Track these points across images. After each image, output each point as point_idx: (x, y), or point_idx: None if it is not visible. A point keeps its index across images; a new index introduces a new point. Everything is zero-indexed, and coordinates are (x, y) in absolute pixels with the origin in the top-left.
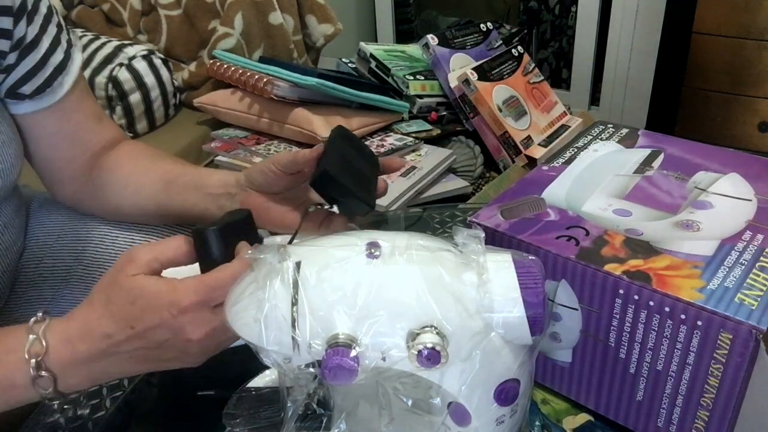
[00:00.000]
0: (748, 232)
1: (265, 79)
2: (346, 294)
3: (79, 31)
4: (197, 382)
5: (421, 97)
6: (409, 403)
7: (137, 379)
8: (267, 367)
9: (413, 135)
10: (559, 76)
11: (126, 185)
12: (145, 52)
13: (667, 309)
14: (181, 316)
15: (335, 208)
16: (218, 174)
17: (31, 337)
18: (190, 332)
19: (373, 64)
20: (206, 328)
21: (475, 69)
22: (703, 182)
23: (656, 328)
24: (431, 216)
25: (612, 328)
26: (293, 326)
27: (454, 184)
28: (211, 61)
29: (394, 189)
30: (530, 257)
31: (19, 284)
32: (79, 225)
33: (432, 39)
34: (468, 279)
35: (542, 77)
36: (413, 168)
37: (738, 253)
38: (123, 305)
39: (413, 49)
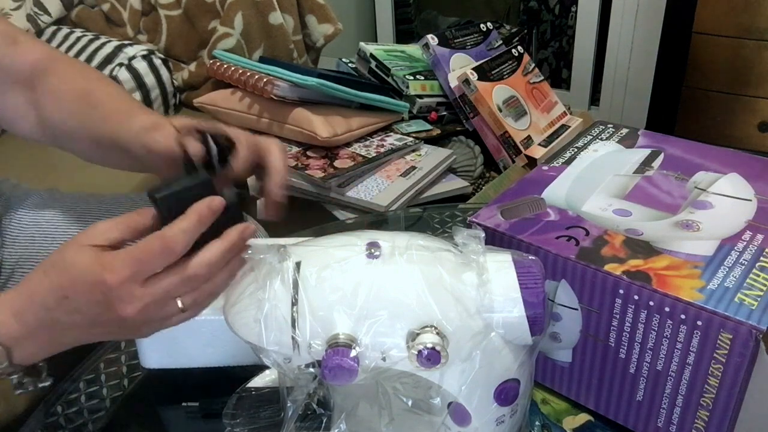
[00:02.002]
0: (748, 232)
1: (265, 79)
2: (346, 294)
3: (78, 31)
4: (192, 385)
5: (421, 97)
6: (409, 403)
7: (137, 379)
8: (267, 367)
9: (413, 135)
10: (559, 76)
11: (62, 133)
12: (145, 52)
13: (667, 309)
14: (110, 293)
15: None
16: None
17: None
18: (121, 309)
19: (373, 64)
20: (138, 305)
21: (475, 69)
22: (703, 182)
23: (656, 328)
24: (431, 216)
25: (612, 328)
26: (293, 326)
27: (454, 184)
28: (211, 61)
29: (394, 189)
30: (530, 257)
31: (13, 280)
32: (72, 230)
33: (432, 39)
34: (468, 279)
35: (542, 77)
36: (413, 168)
37: (738, 253)
38: (58, 273)
39: (413, 49)
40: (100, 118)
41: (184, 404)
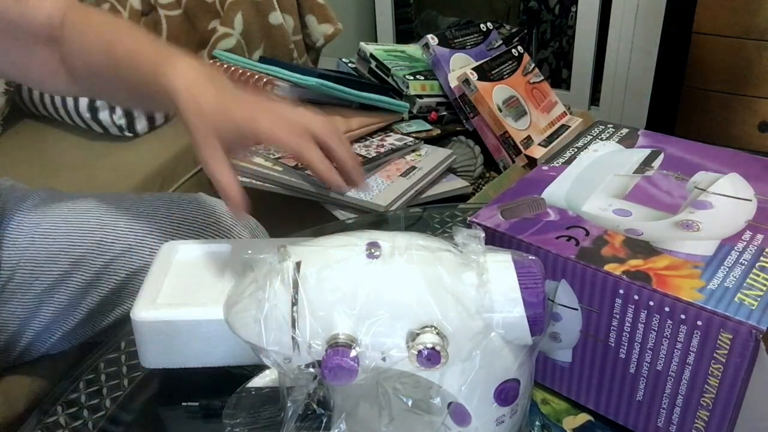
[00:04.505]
0: (748, 232)
1: (265, 79)
2: (346, 294)
3: None
4: (192, 385)
5: (421, 97)
6: (409, 403)
7: (137, 379)
8: (267, 367)
9: (413, 135)
10: (559, 76)
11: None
12: None
13: (667, 309)
14: None
15: None
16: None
17: None
18: None
19: (373, 64)
20: None
21: (475, 69)
22: (703, 182)
23: (656, 328)
24: (431, 216)
25: (612, 328)
26: (293, 326)
27: (454, 184)
28: (211, 61)
29: (394, 189)
30: (530, 257)
31: (13, 280)
32: (72, 230)
33: (432, 39)
34: (468, 279)
35: (542, 77)
36: (413, 168)
37: (738, 253)
38: None
39: (413, 49)
40: (127, 70)
41: (184, 404)
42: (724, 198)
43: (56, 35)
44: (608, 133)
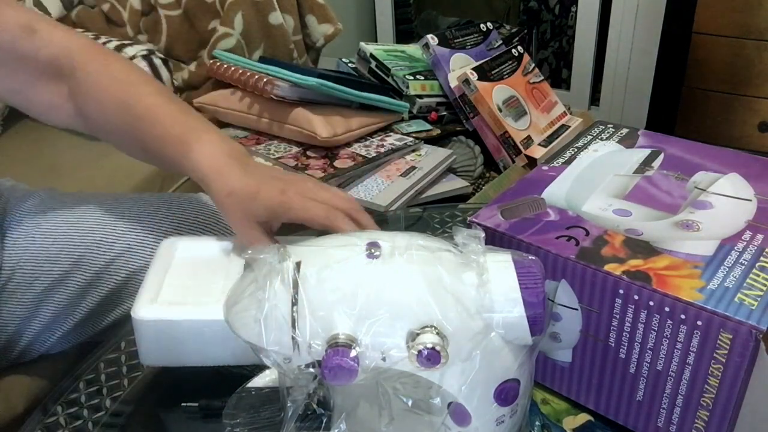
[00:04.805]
0: (748, 232)
1: (265, 79)
2: (346, 294)
3: (79, 32)
4: (192, 385)
5: (421, 97)
6: (409, 403)
7: (137, 379)
8: (267, 367)
9: (413, 135)
10: (559, 76)
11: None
12: (145, 52)
13: (667, 309)
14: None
15: None
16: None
17: None
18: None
19: (373, 64)
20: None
21: (475, 69)
22: (703, 182)
23: (656, 328)
24: (431, 216)
25: (612, 328)
26: (293, 326)
27: (454, 184)
28: (211, 61)
29: (394, 189)
30: (530, 257)
31: (13, 280)
32: (72, 230)
33: (432, 39)
34: (468, 279)
35: (542, 77)
36: (413, 168)
37: (738, 253)
38: None
39: (413, 49)
40: (147, 135)
41: (184, 404)
42: (724, 198)
43: (65, 73)
44: (608, 133)
